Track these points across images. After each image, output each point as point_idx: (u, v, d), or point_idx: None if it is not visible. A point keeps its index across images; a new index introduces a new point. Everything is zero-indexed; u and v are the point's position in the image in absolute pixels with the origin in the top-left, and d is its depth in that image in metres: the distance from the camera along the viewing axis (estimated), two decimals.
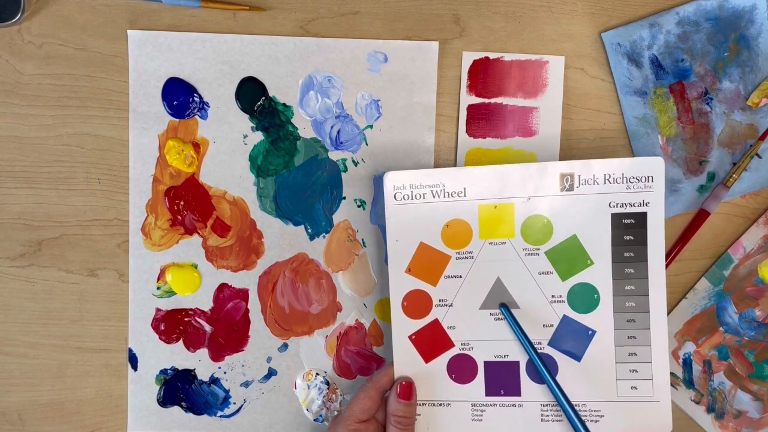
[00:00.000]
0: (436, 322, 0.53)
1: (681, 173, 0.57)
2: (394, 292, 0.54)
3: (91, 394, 0.58)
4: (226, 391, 0.58)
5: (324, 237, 0.58)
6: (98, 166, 0.57)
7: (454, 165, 0.57)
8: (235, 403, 0.59)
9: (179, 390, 0.58)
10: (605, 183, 0.51)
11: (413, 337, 0.53)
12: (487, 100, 0.57)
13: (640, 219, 0.51)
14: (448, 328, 0.53)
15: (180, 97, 0.56)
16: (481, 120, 0.57)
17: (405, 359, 0.53)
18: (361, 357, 0.58)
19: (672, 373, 0.58)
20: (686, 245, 0.57)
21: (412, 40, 0.56)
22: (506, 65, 0.57)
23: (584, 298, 0.52)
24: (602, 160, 0.51)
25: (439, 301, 0.53)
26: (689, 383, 0.58)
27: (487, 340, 0.53)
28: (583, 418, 0.52)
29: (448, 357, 0.53)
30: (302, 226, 0.58)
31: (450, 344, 0.53)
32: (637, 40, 0.56)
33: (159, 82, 0.56)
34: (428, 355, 0.54)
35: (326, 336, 0.58)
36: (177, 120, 0.57)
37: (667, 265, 0.57)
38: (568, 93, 0.57)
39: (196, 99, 0.57)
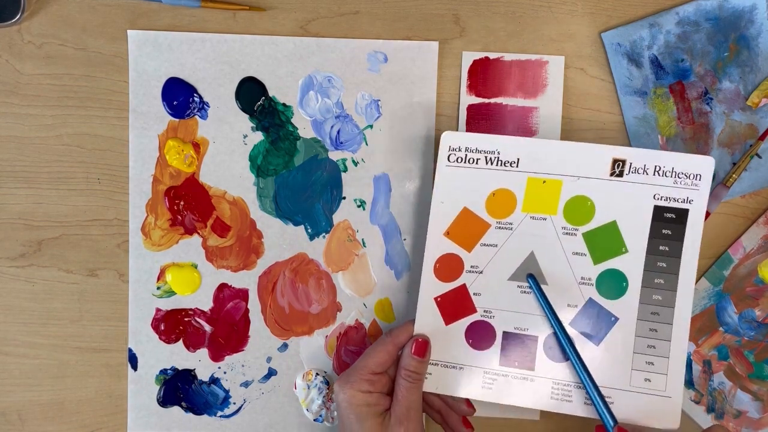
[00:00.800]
0: (463, 287, 0.54)
1: None
2: (429, 253, 0.54)
3: (91, 394, 0.58)
4: (226, 391, 0.58)
5: (324, 237, 0.58)
6: (98, 166, 0.57)
7: None
8: (235, 403, 0.59)
9: (179, 390, 0.58)
10: (654, 174, 0.52)
11: (439, 299, 0.54)
12: (487, 100, 0.57)
13: (682, 215, 0.52)
14: (474, 294, 0.53)
15: (180, 97, 0.56)
16: (481, 120, 0.57)
17: (426, 319, 0.54)
18: None
19: None
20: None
21: (412, 40, 0.56)
22: (506, 65, 0.57)
23: (613, 284, 0.52)
24: (655, 151, 0.52)
25: (471, 267, 0.53)
26: (689, 383, 0.58)
27: (510, 311, 0.53)
28: (592, 402, 0.52)
29: (468, 322, 0.54)
30: (302, 226, 0.58)
31: (473, 310, 0.54)
32: (637, 40, 0.56)
33: (159, 82, 0.56)
34: (450, 317, 0.54)
35: (326, 336, 0.58)
36: (177, 120, 0.57)
37: None
38: (568, 93, 0.57)
39: (196, 99, 0.57)
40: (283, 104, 0.57)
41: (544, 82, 0.57)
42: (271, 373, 0.58)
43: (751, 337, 0.57)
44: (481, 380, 0.53)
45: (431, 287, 0.54)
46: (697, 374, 0.58)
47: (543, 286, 0.53)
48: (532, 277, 0.52)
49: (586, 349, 0.52)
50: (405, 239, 0.58)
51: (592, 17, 0.57)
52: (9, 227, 0.57)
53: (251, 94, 0.57)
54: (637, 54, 0.56)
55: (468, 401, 0.54)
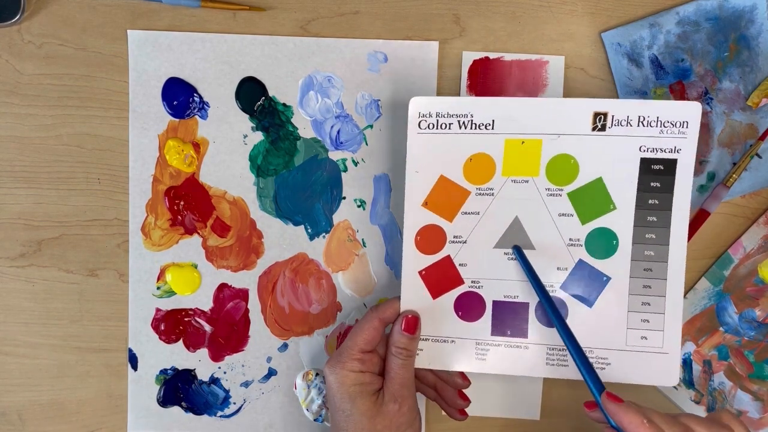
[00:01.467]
0: (447, 259, 0.52)
1: None
2: (408, 225, 0.52)
3: (91, 394, 0.58)
4: (226, 391, 0.58)
5: (324, 237, 0.58)
6: (98, 166, 0.57)
7: None
8: (235, 403, 0.59)
9: (179, 390, 0.58)
10: (639, 125, 0.50)
11: (423, 272, 0.52)
12: None
13: (670, 166, 0.50)
14: (459, 265, 0.52)
15: (180, 97, 0.56)
16: None
17: (412, 294, 0.52)
18: None
19: None
20: (686, 245, 0.57)
21: (412, 40, 0.56)
22: (506, 65, 0.57)
23: (603, 243, 0.51)
24: (638, 100, 0.50)
25: (454, 237, 0.52)
26: (689, 383, 0.58)
27: (498, 280, 0.52)
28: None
29: (456, 294, 0.53)
30: (302, 226, 0.58)
31: (460, 281, 0.52)
32: (637, 40, 0.56)
33: (159, 82, 0.56)
34: (436, 291, 0.53)
35: (326, 336, 0.58)
36: (177, 120, 0.57)
37: None
38: (568, 93, 0.57)
39: (196, 99, 0.57)
40: (283, 104, 0.57)
41: (544, 82, 0.57)
42: (271, 373, 0.58)
43: (751, 337, 0.57)
44: (474, 352, 0.52)
45: (414, 261, 0.52)
46: (698, 374, 0.58)
47: (529, 252, 0.51)
48: (517, 249, 0.51)
49: (580, 312, 0.51)
50: None
51: (592, 17, 0.57)
52: (9, 227, 0.57)
53: (251, 94, 0.57)
54: (637, 54, 0.56)
55: (462, 374, 0.54)
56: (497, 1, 0.56)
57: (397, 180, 0.57)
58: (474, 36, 0.57)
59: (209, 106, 0.57)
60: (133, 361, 0.58)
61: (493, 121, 0.51)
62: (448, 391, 0.54)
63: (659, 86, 0.56)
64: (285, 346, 0.58)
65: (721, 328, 0.58)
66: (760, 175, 0.57)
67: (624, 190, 0.51)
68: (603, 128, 0.50)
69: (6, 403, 0.58)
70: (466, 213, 0.52)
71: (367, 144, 0.57)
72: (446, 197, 0.52)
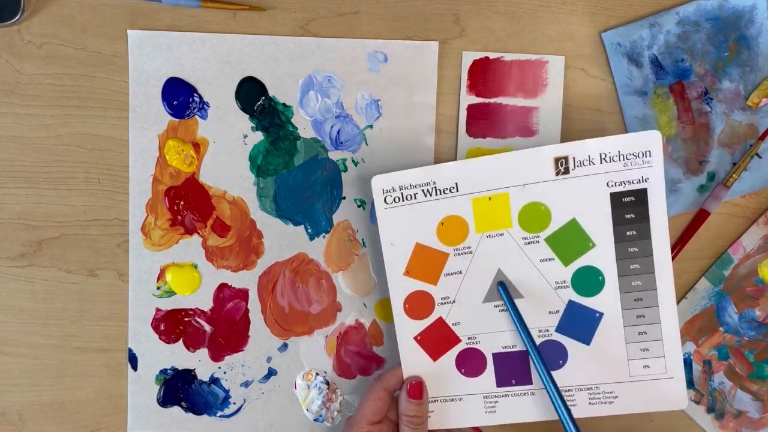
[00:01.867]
0: (440, 321, 0.53)
1: (681, 173, 0.57)
2: (394, 295, 0.53)
3: (91, 394, 0.58)
4: (226, 391, 0.58)
5: (324, 237, 0.58)
6: (98, 166, 0.57)
7: None
8: (235, 403, 0.59)
9: (179, 390, 0.58)
10: (602, 163, 0.50)
11: (418, 337, 0.53)
12: (487, 100, 0.57)
13: (641, 196, 0.50)
14: (453, 324, 0.53)
15: (180, 97, 0.56)
16: (481, 120, 0.57)
17: (412, 360, 0.53)
18: (361, 357, 0.58)
19: None
20: (686, 245, 0.57)
21: (412, 40, 0.56)
22: (506, 65, 0.57)
23: (589, 281, 0.52)
24: (597, 139, 0.50)
25: (442, 299, 0.53)
26: (689, 383, 0.58)
27: (494, 332, 0.53)
28: (597, 400, 0.52)
29: (456, 352, 0.53)
30: (302, 226, 0.58)
31: (456, 340, 0.53)
32: (637, 40, 0.56)
33: (159, 82, 0.56)
34: (435, 353, 0.53)
35: (326, 336, 0.58)
36: (177, 120, 0.57)
37: None
38: (568, 93, 0.57)
39: (196, 99, 0.57)
40: (283, 104, 0.57)
41: (544, 82, 0.57)
42: (271, 373, 0.58)
43: (751, 337, 0.57)
44: (483, 406, 0.53)
45: (407, 328, 0.53)
46: (698, 374, 0.58)
47: (518, 300, 0.52)
48: (501, 285, 0.52)
49: (579, 352, 0.52)
50: None
51: (592, 17, 0.56)
52: (9, 227, 0.57)
53: (251, 94, 0.57)
54: (637, 54, 0.56)
55: (476, 429, 0.54)
56: (497, 1, 0.56)
57: None
58: (474, 36, 0.57)
59: (209, 106, 0.57)
60: (133, 361, 0.58)
61: (456, 183, 0.51)
62: None
63: (659, 86, 0.56)
64: (285, 346, 0.58)
65: (721, 328, 0.58)
66: (760, 175, 0.57)
67: (600, 226, 0.51)
68: (567, 171, 0.50)
69: (6, 403, 0.58)
70: (449, 274, 0.53)
71: (367, 144, 0.57)
72: (426, 262, 0.53)
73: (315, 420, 0.58)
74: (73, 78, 0.57)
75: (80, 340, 0.58)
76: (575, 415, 0.51)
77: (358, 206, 0.58)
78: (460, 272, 0.52)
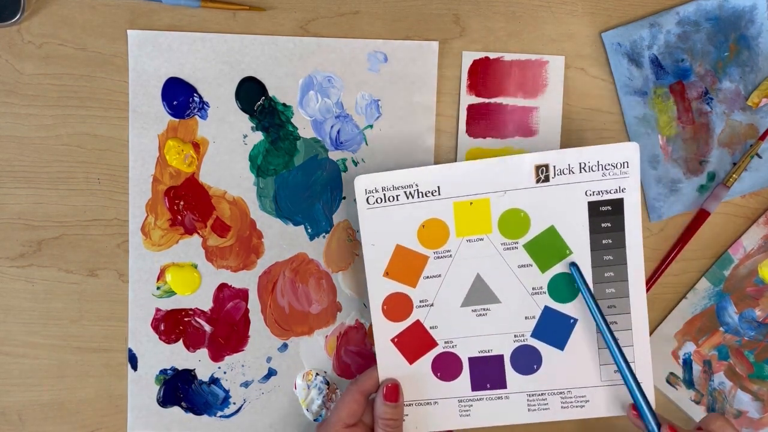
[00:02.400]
0: (417, 323, 0.53)
1: (681, 173, 0.57)
2: (373, 296, 0.53)
3: (91, 394, 0.58)
4: (226, 391, 0.58)
5: (324, 237, 0.58)
6: (98, 166, 0.57)
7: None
8: (235, 403, 0.59)
9: (179, 390, 0.58)
10: (581, 172, 0.51)
11: (396, 339, 0.54)
12: (487, 100, 0.57)
13: (617, 205, 0.51)
14: (430, 327, 0.53)
15: (180, 97, 0.56)
16: (481, 120, 0.57)
17: (389, 362, 0.54)
18: (361, 357, 0.58)
19: (672, 373, 0.58)
20: (686, 245, 0.57)
21: (412, 40, 0.56)
22: (506, 65, 0.57)
23: (565, 287, 0.53)
24: (577, 149, 0.51)
25: (420, 302, 0.53)
26: (689, 383, 0.58)
27: (470, 336, 0.53)
28: (569, 404, 0.53)
29: (432, 356, 0.54)
30: (302, 226, 0.58)
31: (433, 344, 0.54)
32: (637, 40, 0.56)
33: (159, 82, 0.56)
34: (412, 356, 0.54)
35: (326, 336, 0.58)
36: (177, 120, 0.57)
37: (667, 265, 0.57)
38: (568, 93, 0.57)
39: (196, 99, 0.57)
40: (283, 104, 0.57)
41: (544, 82, 0.57)
42: (271, 373, 0.58)
43: (751, 337, 0.57)
44: (458, 409, 0.54)
45: (385, 330, 0.54)
46: (698, 374, 0.58)
47: (496, 305, 0.53)
48: (574, 265, 0.52)
49: (553, 357, 0.53)
50: None
51: (592, 17, 0.56)
52: (9, 227, 0.57)
53: (251, 94, 0.57)
54: (637, 54, 0.56)
55: None
56: (497, 1, 0.56)
57: None
58: (474, 36, 0.57)
59: (209, 106, 0.57)
60: (133, 361, 0.58)
61: (439, 187, 0.52)
62: None
63: (659, 86, 0.56)
64: (285, 346, 0.58)
65: (721, 328, 0.58)
66: (760, 175, 0.57)
67: (577, 234, 0.52)
68: (547, 179, 0.51)
69: (6, 403, 0.58)
70: (428, 277, 0.53)
71: (367, 144, 0.57)
72: (406, 265, 0.53)
73: (315, 420, 0.58)
74: (73, 78, 0.57)
75: (80, 340, 0.58)
76: (549, 419, 0.53)
77: None
78: (440, 275, 0.53)
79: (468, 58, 0.57)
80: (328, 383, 0.58)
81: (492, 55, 0.57)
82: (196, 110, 0.57)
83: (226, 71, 0.56)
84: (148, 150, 0.57)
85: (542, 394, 0.53)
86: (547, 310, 0.53)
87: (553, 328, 0.53)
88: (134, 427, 0.58)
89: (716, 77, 0.56)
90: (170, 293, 0.58)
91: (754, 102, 0.56)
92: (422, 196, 0.52)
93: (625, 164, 0.51)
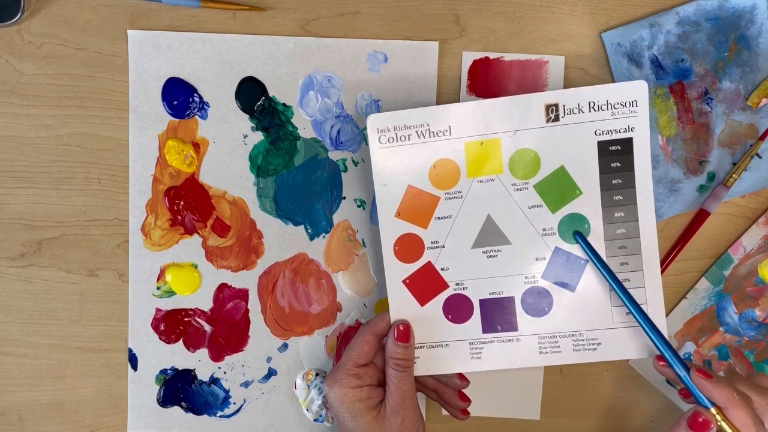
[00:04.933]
0: (429, 265, 0.53)
1: (681, 173, 0.57)
2: (385, 237, 0.53)
3: (91, 394, 0.58)
4: (226, 391, 0.58)
5: (324, 237, 0.58)
6: (98, 166, 0.57)
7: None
8: (235, 404, 0.59)
9: (179, 390, 0.58)
10: (590, 111, 0.51)
11: (407, 281, 0.53)
12: None
13: (627, 145, 0.51)
14: (441, 269, 0.53)
15: (180, 97, 0.56)
16: None
17: (400, 304, 0.53)
18: None
19: None
20: (686, 245, 0.57)
21: (412, 40, 0.56)
22: (506, 65, 0.57)
23: (575, 228, 0.52)
24: (586, 87, 0.51)
25: (431, 243, 0.53)
26: None
27: (481, 279, 0.53)
28: (581, 347, 0.52)
29: (443, 298, 0.53)
30: (302, 226, 0.58)
31: (444, 285, 0.53)
32: (637, 40, 0.56)
33: (159, 82, 0.56)
34: (423, 298, 0.53)
35: (326, 336, 0.58)
36: (177, 120, 0.57)
37: (667, 265, 0.57)
38: None
39: (196, 99, 0.57)
40: (283, 104, 0.57)
41: (544, 82, 0.57)
42: (271, 373, 0.58)
43: (751, 337, 0.57)
44: (469, 352, 0.53)
45: (396, 271, 0.53)
46: None
47: (506, 247, 0.52)
48: (578, 234, 0.52)
49: (564, 298, 0.52)
50: None
51: (592, 17, 0.57)
52: (9, 227, 0.57)
53: (251, 94, 0.57)
54: (637, 54, 0.56)
55: (461, 375, 0.54)
56: (497, 1, 0.56)
57: None
58: (474, 36, 0.57)
59: (209, 106, 0.57)
60: (133, 361, 0.58)
61: (450, 127, 0.52)
62: (448, 392, 0.54)
63: (659, 86, 0.56)
64: (285, 346, 0.58)
65: (721, 328, 0.58)
66: (760, 175, 0.57)
67: (587, 174, 0.52)
68: (557, 119, 0.51)
69: (6, 403, 0.58)
70: (439, 218, 0.53)
71: (367, 144, 0.57)
72: (417, 205, 0.53)
73: (315, 420, 0.58)
74: (73, 78, 0.57)
75: (80, 340, 0.58)
76: (560, 362, 0.53)
77: (358, 206, 0.58)
78: (451, 216, 0.53)
79: (468, 58, 0.57)
80: None
81: (492, 55, 0.57)
82: (196, 110, 0.57)
83: (226, 71, 0.56)
84: (148, 150, 0.57)
85: (553, 336, 0.53)
86: (557, 251, 0.52)
87: (564, 270, 0.52)
88: (134, 427, 0.58)
89: (716, 77, 0.56)
90: (170, 293, 0.58)
91: (754, 102, 0.56)
92: (433, 136, 0.52)
93: (634, 103, 0.51)
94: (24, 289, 0.58)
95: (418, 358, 0.53)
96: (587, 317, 0.52)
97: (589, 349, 0.52)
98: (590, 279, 0.52)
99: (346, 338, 0.58)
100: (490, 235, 0.53)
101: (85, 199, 0.57)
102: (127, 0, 0.56)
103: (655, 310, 0.52)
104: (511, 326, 0.53)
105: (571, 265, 0.52)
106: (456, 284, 0.53)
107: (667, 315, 0.58)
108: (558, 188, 0.52)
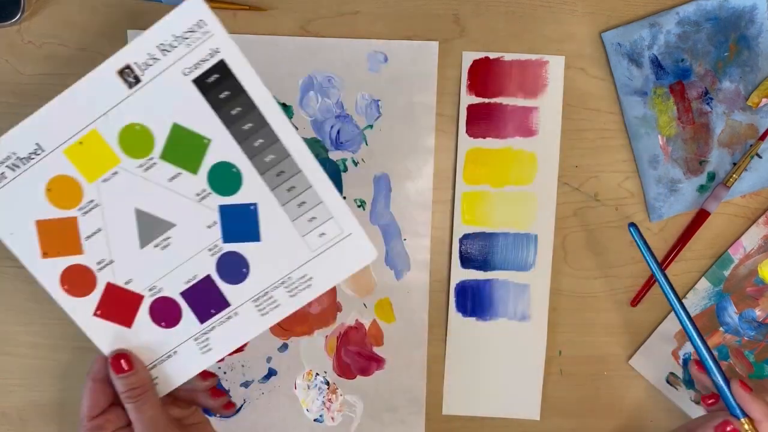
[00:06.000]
0: (110, 286, 0.49)
1: (681, 173, 0.57)
2: (46, 283, 0.48)
3: None
4: (226, 391, 0.58)
5: None
6: None
7: (454, 167, 0.57)
8: (235, 404, 0.58)
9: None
10: (165, 54, 0.45)
11: (98, 312, 0.49)
12: (487, 100, 0.57)
13: (222, 68, 0.45)
14: (125, 284, 0.49)
15: None
16: (481, 120, 0.57)
17: (105, 337, 0.49)
18: (361, 357, 0.58)
19: (672, 373, 0.58)
20: (686, 245, 0.57)
21: (412, 40, 0.56)
22: (506, 65, 0.57)
23: (225, 177, 0.47)
24: (145, 32, 0.44)
25: (98, 264, 0.48)
26: (689, 383, 0.58)
27: (169, 273, 0.49)
28: (296, 290, 0.49)
29: (146, 310, 0.49)
30: None
31: (138, 297, 0.49)
32: (637, 40, 0.56)
33: None
34: (126, 319, 0.49)
35: (326, 336, 0.58)
36: None
37: (667, 265, 0.57)
38: (568, 93, 0.57)
39: None
40: (283, 104, 0.57)
41: (544, 82, 0.57)
42: (271, 373, 0.58)
43: (751, 337, 0.57)
44: (198, 348, 0.50)
45: (81, 309, 0.49)
46: None
47: (173, 230, 0.48)
48: (633, 226, 0.50)
49: (256, 252, 0.48)
50: (405, 239, 0.57)
51: (592, 17, 0.56)
52: None
53: None
54: (637, 54, 0.56)
55: (203, 373, 0.51)
56: (497, 1, 0.56)
57: (398, 180, 0.57)
58: (474, 36, 0.57)
59: None
60: None
61: (38, 143, 0.46)
62: (201, 397, 0.52)
63: (659, 86, 0.56)
64: (285, 346, 0.58)
65: (721, 328, 0.58)
66: (760, 175, 0.57)
67: (204, 119, 0.46)
68: (138, 80, 0.45)
69: (6, 404, 0.58)
70: (89, 236, 0.48)
71: (367, 144, 0.57)
72: (58, 235, 0.48)
73: (315, 420, 0.58)
74: (73, 78, 0.56)
75: (80, 340, 0.58)
76: (285, 315, 0.49)
77: (359, 206, 0.58)
78: (99, 229, 0.48)
79: (468, 58, 0.57)
80: (328, 383, 0.58)
81: (492, 55, 0.57)
82: None
83: None
84: None
85: (265, 293, 0.49)
86: (223, 209, 0.48)
87: (239, 224, 0.48)
88: None
89: (716, 77, 0.56)
90: None
91: (754, 102, 0.56)
92: (27, 161, 0.46)
93: (201, 23, 0.44)
94: (24, 289, 0.58)
95: (157, 378, 0.50)
96: (286, 259, 0.48)
97: (305, 288, 0.48)
98: (268, 220, 0.48)
99: (346, 338, 0.58)
100: (151, 227, 0.48)
101: None
102: (127, 0, 0.56)
103: (343, 218, 0.47)
104: (223, 304, 0.49)
105: (242, 216, 0.48)
106: (149, 290, 0.49)
107: (667, 315, 0.58)
108: (185, 148, 0.46)
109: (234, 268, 0.49)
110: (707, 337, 0.58)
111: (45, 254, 0.48)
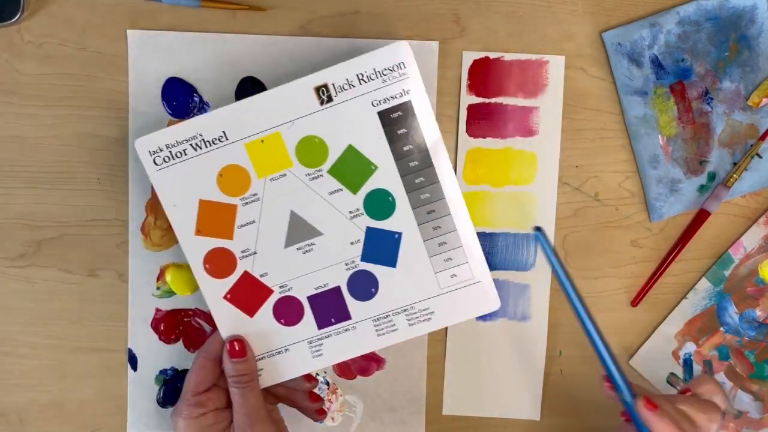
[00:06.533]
0: (246, 275, 0.52)
1: (681, 173, 0.57)
2: (192, 258, 0.52)
3: (91, 395, 0.58)
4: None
5: None
6: (98, 166, 0.57)
7: (455, 165, 0.57)
8: None
9: (179, 390, 0.58)
10: (361, 84, 0.50)
11: (228, 296, 0.52)
12: (487, 100, 0.57)
13: (406, 108, 0.50)
14: (260, 276, 0.52)
15: (180, 97, 0.56)
16: (481, 120, 0.57)
17: (229, 321, 0.53)
18: (361, 357, 0.58)
19: (672, 374, 0.58)
20: (687, 245, 0.57)
21: (412, 40, 0.56)
22: (506, 65, 0.57)
23: (381, 204, 0.52)
24: (348, 61, 0.50)
25: (242, 252, 0.52)
26: None
27: (303, 275, 0.52)
28: (415, 320, 0.52)
29: (271, 304, 0.53)
30: None
31: (268, 291, 0.53)
32: (637, 39, 0.56)
33: (159, 82, 0.56)
34: (250, 308, 0.53)
35: None
36: (177, 120, 0.57)
37: (668, 265, 0.57)
38: (568, 93, 0.57)
39: (195, 99, 0.57)
40: None
41: (544, 82, 0.57)
42: None
43: (751, 337, 0.57)
44: (309, 351, 0.53)
45: (214, 289, 0.52)
46: (698, 374, 0.58)
47: (319, 238, 0.52)
48: (538, 230, 0.50)
49: (388, 276, 0.52)
50: None
51: (592, 17, 0.56)
52: (9, 227, 0.57)
53: (251, 94, 0.56)
54: (637, 54, 0.56)
55: (307, 376, 0.54)
56: (497, 1, 0.56)
57: None
58: (474, 36, 0.57)
59: (209, 106, 0.57)
60: (133, 361, 0.58)
61: (224, 131, 0.51)
62: (299, 396, 0.54)
63: (659, 86, 0.56)
64: None
65: (721, 329, 0.58)
66: (760, 175, 0.57)
67: (377, 147, 0.51)
68: (330, 99, 0.50)
69: (6, 404, 0.58)
70: (242, 226, 0.52)
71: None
72: (215, 218, 0.52)
73: (315, 420, 0.58)
74: (73, 78, 0.57)
75: (80, 340, 0.58)
76: (399, 340, 0.53)
77: None
78: (254, 221, 0.52)
79: (468, 58, 0.57)
80: (328, 383, 0.58)
81: (492, 55, 0.57)
82: (196, 110, 0.57)
83: (226, 71, 0.56)
84: None
85: (387, 315, 0.52)
86: (369, 231, 0.52)
87: (381, 247, 0.52)
88: (134, 427, 0.58)
89: (716, 77, 0.56)
90: (170, 293, 0.58)
91: (755, 102, 0.56)
92: (210, 145, 0.51)
93: (401, 65, 0.50)
94: (24, 289, 0.58)
95: (262, 369, 0.53)
96: (414, 289, 0.52)
97: (424, 320, 0.52)
98: (408, 251, 0.52)
99: None
100: (300, 231, 0.52)
101: (85, 199, 0.57)
102: (127, 0, 0.56)
103: (477, 265, 0.52)
104: (344, 316, 0.53)
105: (386, 241, 0.52)
106: (280, 287, 0.52)
107: (667, 315, 0.58)
108: (352, 168, 0.51)
109: (364, 285, 0.52)
110: (708, 338, 0.58)
111: (198, 231, 0.52)
